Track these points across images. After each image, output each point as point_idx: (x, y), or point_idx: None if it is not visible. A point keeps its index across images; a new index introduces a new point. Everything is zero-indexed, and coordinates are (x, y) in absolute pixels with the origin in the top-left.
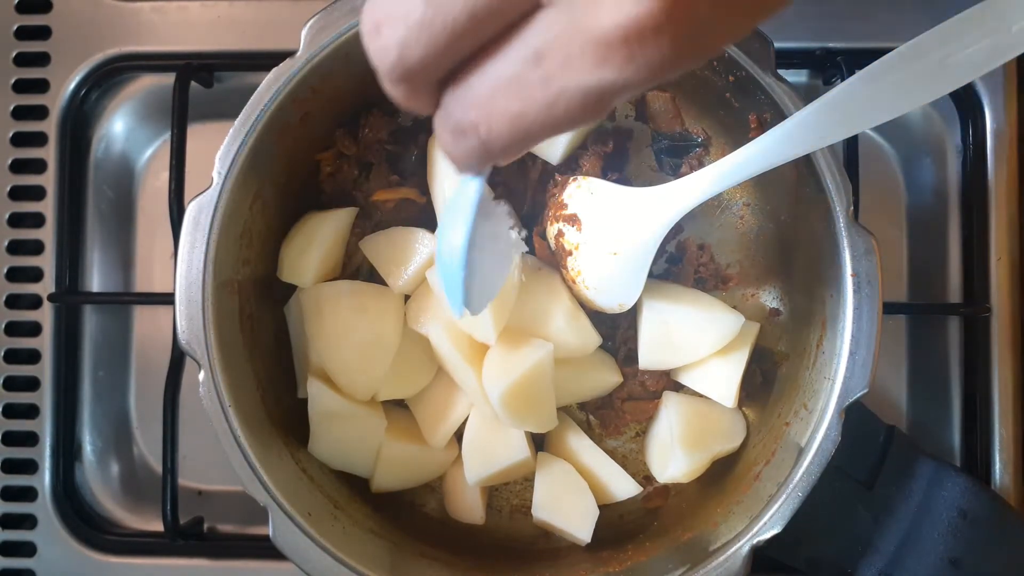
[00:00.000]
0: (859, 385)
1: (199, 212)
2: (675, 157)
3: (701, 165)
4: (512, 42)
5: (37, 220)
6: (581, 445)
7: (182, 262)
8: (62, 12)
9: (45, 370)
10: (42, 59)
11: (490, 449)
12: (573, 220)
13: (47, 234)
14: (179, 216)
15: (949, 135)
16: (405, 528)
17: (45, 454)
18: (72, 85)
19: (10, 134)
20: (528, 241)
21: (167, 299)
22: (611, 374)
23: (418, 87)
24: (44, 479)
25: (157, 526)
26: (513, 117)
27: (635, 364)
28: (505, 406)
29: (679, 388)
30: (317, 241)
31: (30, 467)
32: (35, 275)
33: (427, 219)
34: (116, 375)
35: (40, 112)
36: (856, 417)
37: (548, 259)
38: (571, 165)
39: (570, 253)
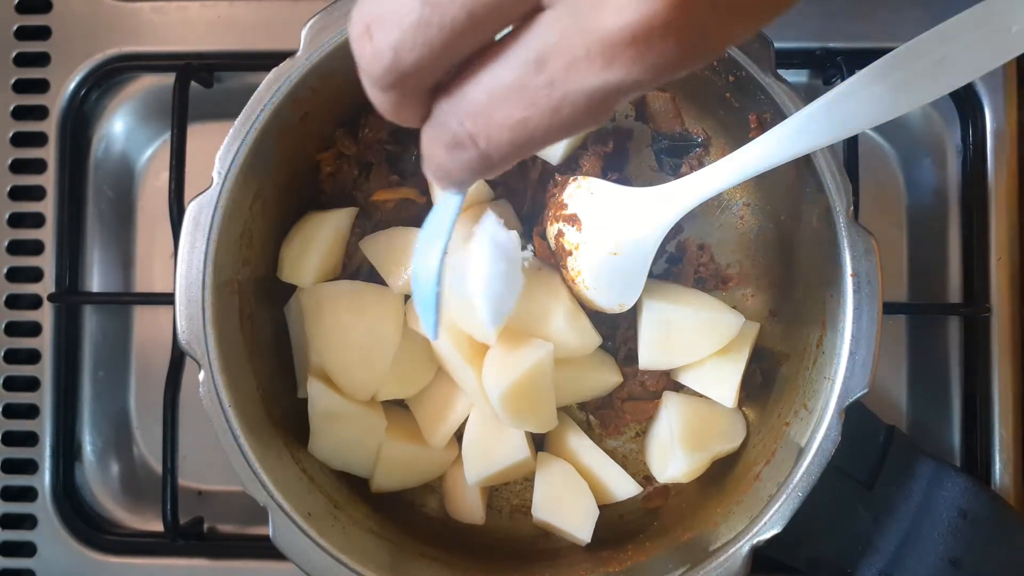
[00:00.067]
0: (859, 385)
1: (199, 212)
2: (675, 157)
3: (701, 165)
4: (511, 47)
5: (37, 220)
6: (581, 445)
7: (182, 262)
8: (62, 12)
9: (45, 370)
10: (42, 59)
11: (490, 449)
12: (573, 220)
13: (47, 234)
14: (179, 216)
15: (949, 135)
16: (405, 528)
17: (45, 454)
18: (72, 85)
19: (10, 134)
20: (528, 241)
21: (167, 299)
22: (611, 374)
23: (410, 94)
24: (44, 479)
25: (157, 526)
26: (515, 125)
27: (635, 364)
28: (505, 406)
29: (679, 388)
30: (317, 241)
31: (30, 467)
32: (35, 275)
33: None
34: (116, 375)
35: (40, 112)
36: (856, 417)
37: (548, 259)
38: (571, 165)
39: (570, 253)
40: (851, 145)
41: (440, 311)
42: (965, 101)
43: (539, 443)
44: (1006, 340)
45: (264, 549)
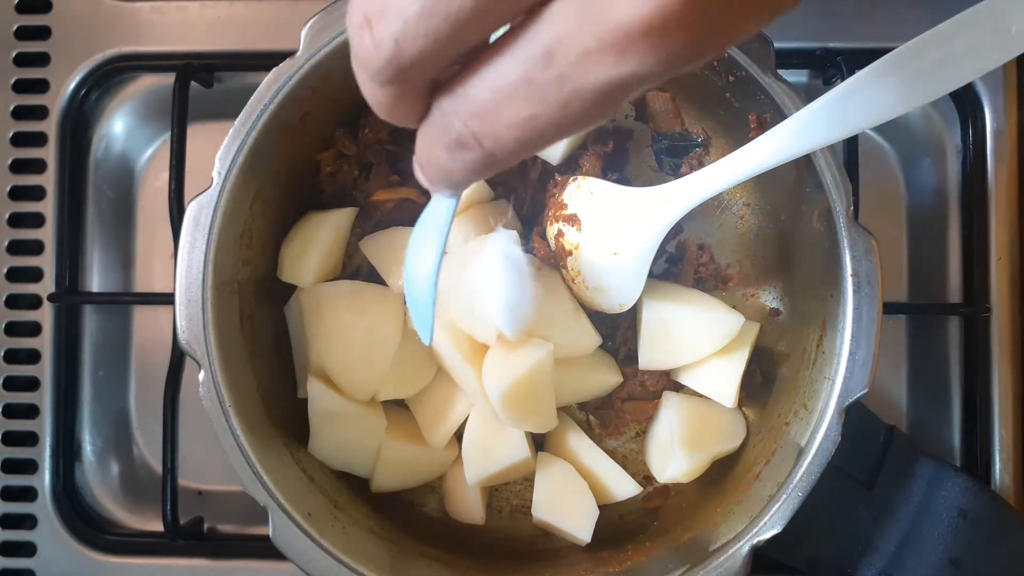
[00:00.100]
0: (859, 385)
1: (199, 212)
2: (675, 157)
3: (701, 165)
4: (517, 42)
5: (37, 220)
6: (581, 445)
7: (182, 262)
8: (62, 12)
9: (45, 370)
10: (42, 59)
11: (490, 449)
12: (573, 220)
13: (47, 234)
14: (179, 216)
15: (949, 135)
16: (405, 528)
17: (45, 454)
18: (72, 85)
19: (10, 134)
20: (528, 241)
21: (167, 299)
22: (611, 374)
23: (409, 90)
24: (44, 479)
25: (157, 526)
26: (522, 123)
27: (635, 364)
28: (505, 406)
29: (679, 388)
30: (317, 241)
31: (30, 467)
32: (35, 275)
33: None
34: (116, 375)
35: (40, 112)
36: (856, 417)
37: (548, 259)
38: (571, 165)
39: (570, 253)
40: (851, 145)
41: (435, 315)
42: (965, 101)
43: (539, 443)
44: (1006, 340)
45: (264, 549)
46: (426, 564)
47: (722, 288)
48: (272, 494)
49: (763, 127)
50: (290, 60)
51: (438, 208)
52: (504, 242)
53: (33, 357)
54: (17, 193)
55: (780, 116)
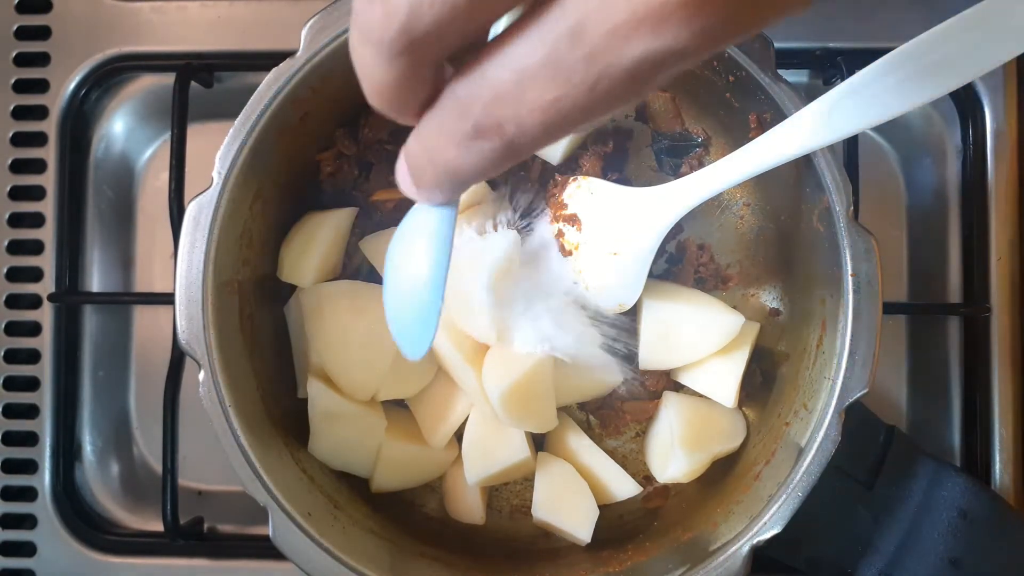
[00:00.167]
0: (859, 385)
1: (199, 212)
2: (675, 157)
3: (701, 165)
4: (540, 19)
5: (37, 220)
6: (581, 445)
7: (182, 262)
8: (62, 12)
9: (45, 370)
10: (42, 59)
11: (490, 449)
12: (573, 220)
13: (47, 234)
14: (179, 216)
15: (949, 135)
16: (405, 528)
17: (45, 454)
18: (72, 85)
19: (10, 134)
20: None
21: (167, 299)
22: (611, 374)
23: (420, 65)
24: (44, 479)
25: (157, 526)
26: (547, 106)
27: (635, 364)
28: (505, 406)
29: (679, 388)
30: (317, 241)
31: (30, 467)
32: (35, 275)
33: None
34: (116, 375)
35: (40, 112)
36: (856, 417)
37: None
38: (571, 165)
39: (570, 253)
40: (851, 145)
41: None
42: (965, 101)
43: (539, 443)
44: (1006, 340)
45: (264, 549)
46: (426, 564)
47: (722, 288)
48: (272, 494)
49: (763, 127)
50: (290, 60)
51: (428, 217)
52: (504, 243)
53: (33, 357)
54: (17, 193)
55: (780, 116)
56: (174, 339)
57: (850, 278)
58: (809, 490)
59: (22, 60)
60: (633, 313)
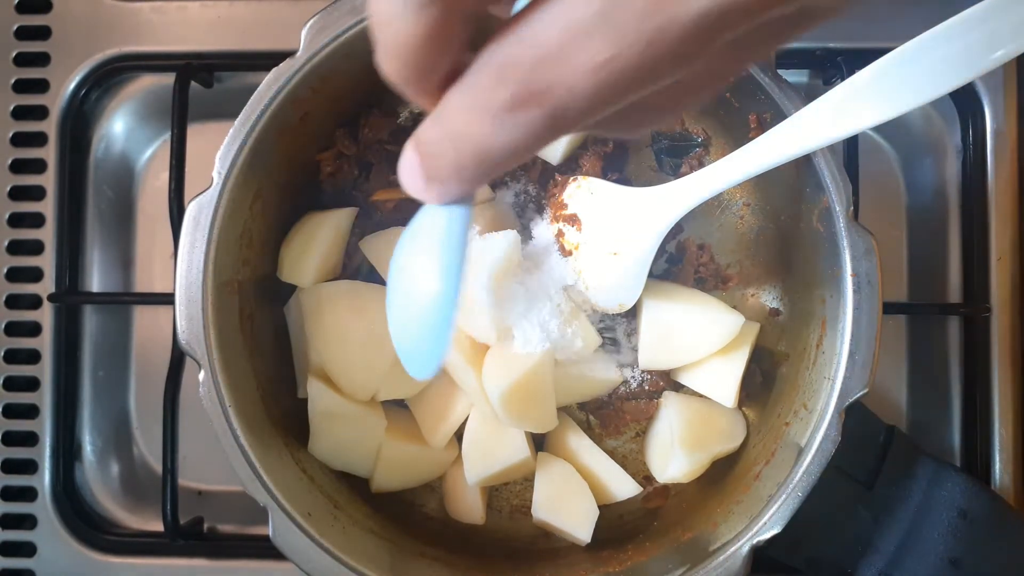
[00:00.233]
0: (859, 385)
1: (199, 212)
2: (675, 157)
3: (701, 165)
4: None
5: (37, 220)
6: (581, 445)
7: (182, 262)
8: (62, 12)
9: (45, 370)
10: (42, 59)
11: (490, 449)
12: (573, 220)
13: (47, 234)
14: (179, 216)
15: (949, 135)
16: (405, 528)
17: (45, 454)
18: (72, 85)
19: (10, 134)
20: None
21: (167, 299)
22: (611, 374)
23: (455, 14)
24: (44, 479)
25: (157, 526)
26: (600, 66)
27: (635, 364)
28: (505, 406)
29: (679, 388)
30: (317, 241)
31: (30, 467)
32: (35, 275)
33: None
34: (116, 375)
35: (40, 112)
36: (856, 417)
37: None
38: (571, 165)
39: (570, 253)
40: (851, 145)
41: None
42: (965, 101)
43: (539, 443)
44: (1006, 340)
45: (264, 549)
46: (426, 564)
47: (722, 288)
48: (272, 494)
49: (763, 127)
50: (290, 60)
51: (438, 220)
52: (504, 243)
53: (33, 357)
54: (17, 193)
55: (780, 116)
56: (174, 339)
57: (850, 278)
58: (809, 490)
59: (22, 60)
60: (633, 313)
